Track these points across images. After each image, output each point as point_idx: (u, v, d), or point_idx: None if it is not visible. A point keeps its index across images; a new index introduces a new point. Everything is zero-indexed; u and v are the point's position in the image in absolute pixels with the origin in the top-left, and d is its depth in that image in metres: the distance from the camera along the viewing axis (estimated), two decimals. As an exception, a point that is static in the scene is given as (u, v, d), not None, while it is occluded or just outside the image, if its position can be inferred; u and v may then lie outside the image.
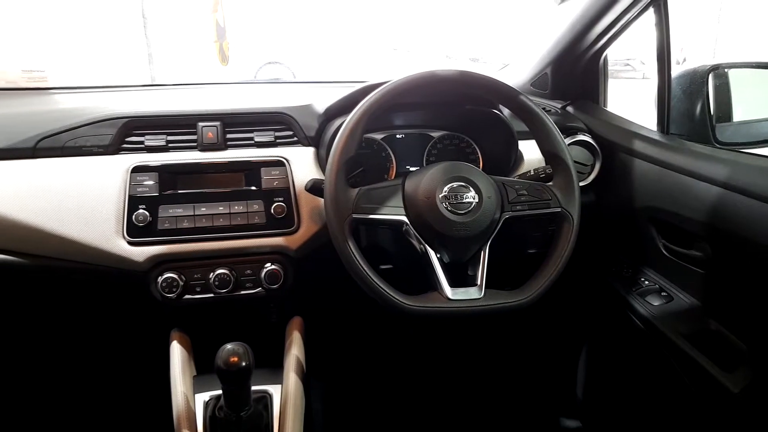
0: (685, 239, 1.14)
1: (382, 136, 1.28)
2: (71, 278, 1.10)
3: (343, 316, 1.44)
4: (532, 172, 1.09)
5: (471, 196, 0.97)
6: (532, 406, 1.64)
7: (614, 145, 1.29)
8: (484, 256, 0.99)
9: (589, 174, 1.31)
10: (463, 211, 0.96)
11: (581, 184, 1.17)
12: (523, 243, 1.22)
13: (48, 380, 1.45)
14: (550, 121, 1.04)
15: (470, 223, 0.96)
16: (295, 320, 1.19)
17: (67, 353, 1.42)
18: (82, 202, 1.05)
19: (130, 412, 1.40)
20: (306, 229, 1.11)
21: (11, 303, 1.26)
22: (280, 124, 1.19)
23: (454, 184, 0.98)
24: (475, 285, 0.97)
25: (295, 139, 1.19)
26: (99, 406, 1.47)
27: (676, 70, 1.30)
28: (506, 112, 1.26)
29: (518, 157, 1.26)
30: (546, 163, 1.07)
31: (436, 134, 1.31)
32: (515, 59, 1.57)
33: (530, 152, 1.24)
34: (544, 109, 1.09)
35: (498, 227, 0.99)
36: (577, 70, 1.41)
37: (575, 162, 1.09)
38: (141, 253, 1.05)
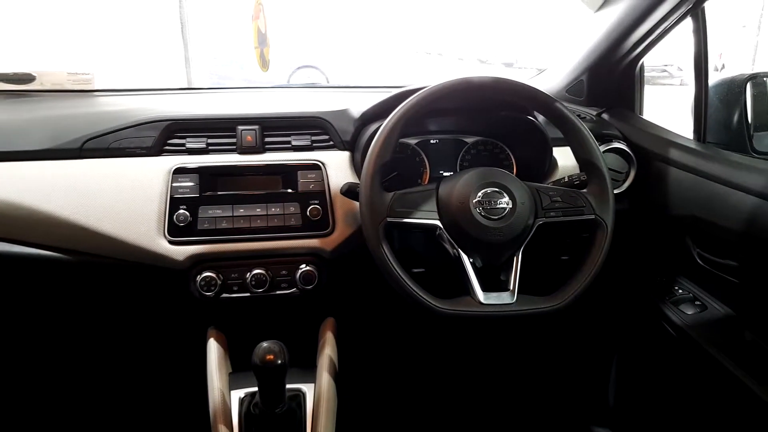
0: (720, 248, 1.13)
1: (416, 141, 1.30)
2: (113, 275, 1.14)
3: (375, 318, 1.46)
4: (566, 179, 1.10)
5: (505, 202, 0.98)
6: (563, 413, 1.63)
7: (650, 153, 1.28)
8: (517, 262, 0.99)
9: (624, 182, 1.31)
10: (496, 217, 0.97)
11: (616, 191, 1.17)
12: (556, 250, 1.22)
13: (88, 373, 1.50)
14: (585, 128, 1.04)
15: (504, 228, 0.97)
16: (328, 321, 1.22)
17: (107, 348, 1.46)
18: (126, 202, 1.09)
19: (167, 407, 1.44)
20: (340, 232, 1.13)
21: (55, 297, 1.31)
22: (317, 128, 1.22)
23: (488, 190, 0.99)
24: (508, 290, 0.97)
25: (331, 143, 1.21)
26: (137, 400, 1.51)
27: (713, 78, 1.28)
28: (541, 118, 1.26)
29: (552, 164, 1.26)
30: (580, 170, 1.07)
31: (469, 140, 1.32)
32: (550, 66, 1.56)
33: (564, 159, 1.24)
34: (579, 116, 1.09)
35: (531, 233, 0.99)
36: (613, 78, 1.40)
37: (610, 169, 1.09)
38: (181, 252, 1.08)
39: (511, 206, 0.98)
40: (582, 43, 1.41)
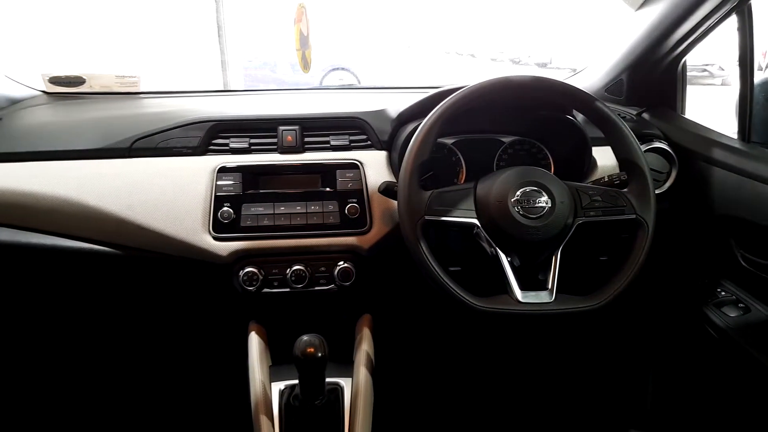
0: (765, 250, 1.11)
1: (452, 140, 1.30)
2: (161, 269, 1.18)
3: (411, 315, 1.47)
4: (606, 179, 1.09)
5: (544, 201, 0.98)
6: (599, 416, 1.62)
7: (692, 153, 1.26)
8: (556, 261, 0.99)
9: (665, 182, 1.29)
10: (535, 216, 0.97)
11: (657, 191, 1.16)
12: (595, 250, 1.21)
13: (136, 362, 1.55)
14: (626, 127, 1.03)
15: (542, 227, 0.97)
16: (364, 317, 1.23)
17: (155, 338, 1.51)
18: (173, 199, 1.13)
19: (210, 397, 1.48)
20: (378, 230, 1.15)
21: (107, 290, 1.36)
22: (355, 129, 1.24)
23: (527, 189, 0.99)
24: (546, 289, 0.97)
25: (369, 142, 1.23)
26: (182, 390, 1.56)
27: (758, 77, 1.26)
28: (580, 117, 1.25)
29: (591, 164, 1.25)
30: (620, 170, 1.07)
31: (507, 139, 1.32)
32: (589, 65, 1.55)
33: (604, 159, 1.24)
34: (618, 115, 1.09)
35: (571, 233, 0.99)
36: (654, 76, 1.38)
37: (651, 169, 1.08)
38: (225, 248, 1.12)
39: (550, 205, 0.98)
40: (622, 42, 1.40)
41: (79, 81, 1.50)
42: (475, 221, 1.00)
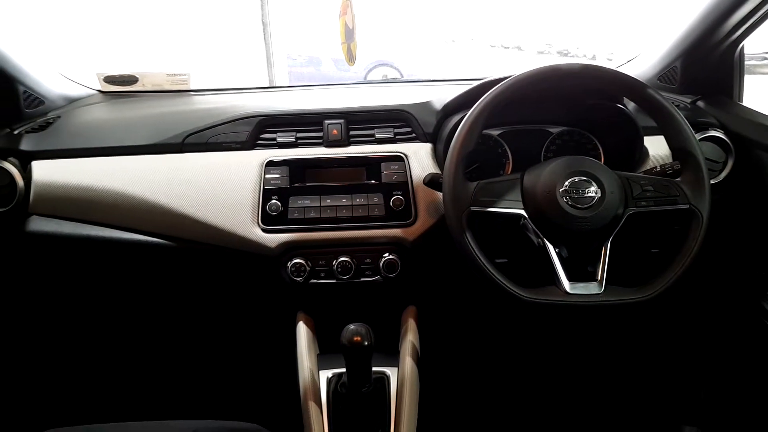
0: None
1: (499, 132, 1.29)
2: (213, 261, 1.22)
3: (456, 307, 1.47)
4: (659, 168, 1.06)
5: (593, 191, 0.96)
6: (650, 410, 1.58)
7: (750, 142, 1.21)
8: (605, 252, 0.97)
9: (721, 171, 1.24)
10: (584, 206, 0.96)
11: (712, 181, 1.12)
12: (646, 242, 1.18)
13: (188, 351, 1.60)
14: (680, 114, 1.00)
15: (591, 218, 0.95)
16: (410, 309, 1.24)
17: (206, 328, 1.56)
18: (223, 193, 1.17)
19: (260, 384, 1.52)
20: (423, 222, 1.15)
21: (161, 281, 1.41)
22: (400, 121, 1.25)
23: (576, 179, 0.97)
24: (595, 281, 0.96)
25: (414, 135, 1.24)
26: (231, 378, 1.60)
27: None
28: (631, 106, 1.22)
29: (643, 154, 1.22)
30: (673, 159, 1.03)
31: (554, 130, 1.30)
32: (641, 53, 1.51)
33: (656, 149, 1.20)
34: (672, 103, 1.05)
35: (621, 223, 0.97)
36: (709, 63, 1.33)
37: (706, 159, 1.04)
38: (273, 239, 1.14)
39: (599, 195, 0.96)
40: (675, 28, 1.36)
41: (132, 80, 1.56)
42: (522, 212, 0.99)
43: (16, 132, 1.26)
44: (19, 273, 1.36)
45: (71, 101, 1.46)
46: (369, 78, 5.50)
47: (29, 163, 1.21)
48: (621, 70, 1.39)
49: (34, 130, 1.27)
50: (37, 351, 1.49)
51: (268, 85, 1.63)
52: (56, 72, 1.47)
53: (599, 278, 0.96)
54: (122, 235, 1.18)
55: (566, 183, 0.97)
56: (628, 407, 1.60)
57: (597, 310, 0.95)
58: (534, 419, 1.59)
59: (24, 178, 1.19)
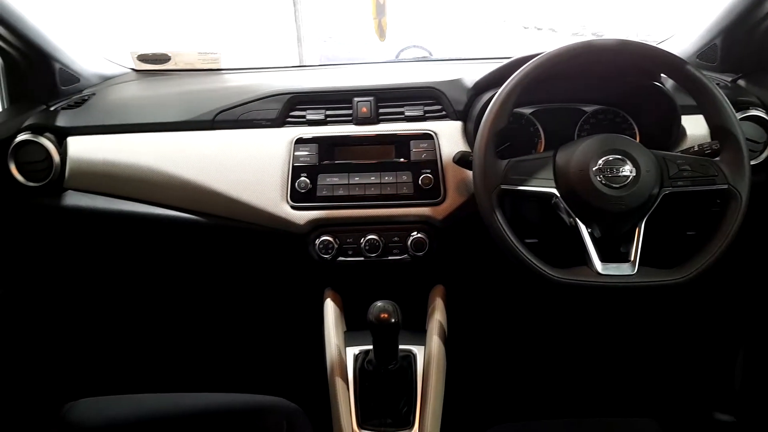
0: None
1: (531, 110, 1.27)
2: (243, 237, 1.23)
3: (484, 287, 1.46)
4: (697, 148, 1.03)
5: (628, 170, 0.94)
6: (682, 396, 1.55)
7: None
8: (639, 233, 0.95)
9: (762, 152, 1.20)
10: (618, 185, 0.93)
11: (752, 162, 1.08)
12: (681, 223, 1.15)
13: (216, 326, 1.63)
14: (720, 92, 0.97)
15: (626, 197, 0.93)
16: (437, 288, 1.24)
17: (236, 303, 1.58)
18: (253, 169, 1.17)
19: (286, 360, 1.54)
20: (452, 201, 1.15)
21: (189, 256, 1.43)
22: (430, 99, 1.23)
23: (610, 157, 0.95)
24: (628, 261, 0.94)
25: (444, 113, 1.22)
26: (258, 353, 1.63)
27: None
28: (669, 84, 1.19)
29: (680, 133, 1.18)
30: (712, 138, 1.00)
31: (589, 109, 1.27)
32: (679, 30, 1.46)
33: (694, 128, 1.16)
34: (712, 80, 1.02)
35: (656, 203, 0.95)
36: (752, 40, 1.28)
37: (747, 139, 1.01)
38: (302, 216, 1.15)
39: (634, 174, 0.94)
40: (715, 5, 1.31)
41: (164, 58, 1.57)
42: (554, 191, 0.97)
43: (52, 108, 1.29)
44: (54, 246, 1.40)
45: (105, 79, 1.49)
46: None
47: (65, 139, 1.23)
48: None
49: (69, 107, 1.30)
50: (69, 322, 1.53)
51: (297, 65, 1.62)
52: (91, 50, 1.49)
53: (632, 259, 0.94)
54: (154, 211, 1.20)
55: (600, 161, 0.95)
56: (657, 393, 1.57)
57: (629, 292, 0.94)
58: (560, 400, 1.57)
59: (60, 154, 1.22)
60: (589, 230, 0.95)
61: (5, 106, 1.33)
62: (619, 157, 0.95)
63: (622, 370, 1.61)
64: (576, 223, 0.96)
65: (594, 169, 0.94)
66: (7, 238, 1.28)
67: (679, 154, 1.01)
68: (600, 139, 0.98)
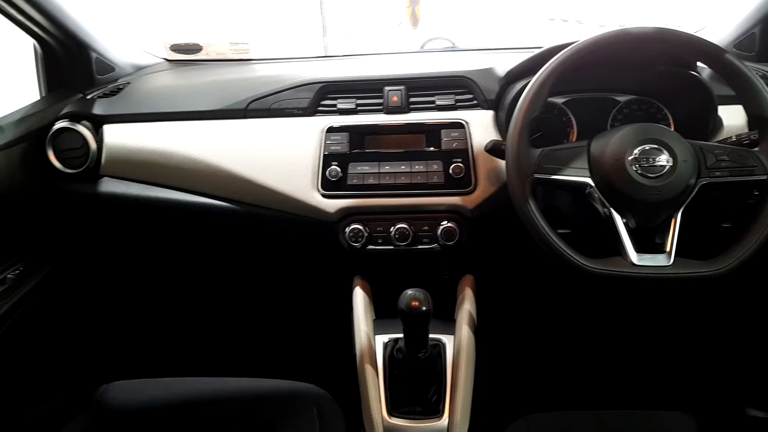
0: None
1: (563, 100, 1.26)
2: (275, 224, 1.24)
3: (515, 277, 1.46)
4: (734, 138, 1.01)
5: (664, 159, 0.93)
6: (715, 390, 1.52)
7: None
8: (675, 224, 0.94)
9: (802, 143, 1.17)
10: (654, 175, 0.92)
11: None
12: (718, 215, 1.13)
13: (245, 312, 1.65)
14: (760, 81, 0.94)
15: (662, 187, 0.92)
16: (467, 277, 1.23)
17: (267, 289, 1.60)
18: (285, 158, 1.18)
19: (314, 347, 1.55)
20: (482, 190, 1.14)
21: (220, 243, 1.45)
22: (461, 88, 1.23)
23: (646, 146, 0.94)
24: (664, 252, 0.92)
25: (475, 102, 1.22)
26: (287, 340, 1.65)
27: None
28: (705, 73, 1.16)
29: (717, 124, 1.16)
30: (750, 128, 0.98)
31: (622, 98, 1.25)
32: (715, 19, 1.43)
33: (731, 119, 1.14)
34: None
35: (693, 194, 0.93)
36: None
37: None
38: (332, 205, 1.16)
39: (671, 164, 0.92)
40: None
41: (196, 48, 1.59)
42: (588, 180, 0.96)
43: (88, 97, 1.32)
44: (91, 232, 1.43)
45: (139, 69, 1.51)
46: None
47: (101, 126, 1.26)
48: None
49: (105, 96, 1.32)
50: (105, 306, 1.57)
51: (328, 54, 1.63)
52: (125, 40, 1.52)
53: (668, 250, 0.92)
54: (187, 198, 1.22)
55: (636, 151, 0.94)
56: (691, 386, 1.55)
57: (665, 284, 0.92)
58: (591, 392, 1.56)
59: (96, 141, 1.24)
60: (623, 220, 0.94)
61: (43, 95, 1.36)
62: (656, 146, 0.94)
63: (654, 363, 1.59)
64: (610, 213, 0.95)
65: (630, 158, 0.93)
66: (46, 222, 1.31)
67: (716, 144, 0.99)
68: (636, 128, 0.97)
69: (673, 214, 0.94)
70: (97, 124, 1.26)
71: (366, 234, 1.16)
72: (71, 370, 1.44)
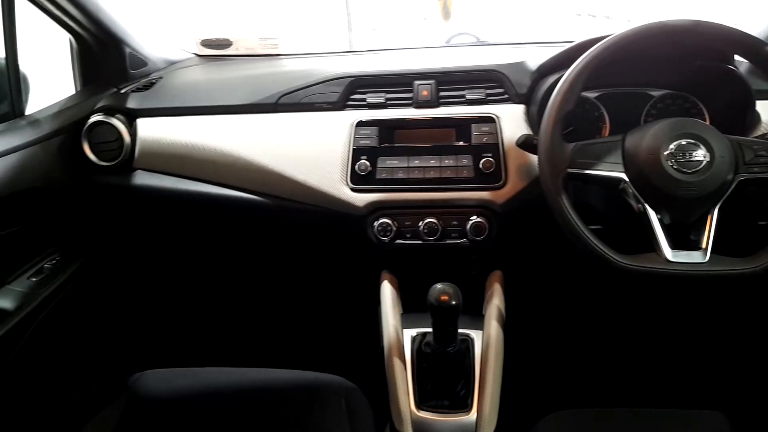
0: None
1: (595, 94, 1.24)
2: (304, 218, 1.25)
3: (545, 273, 1.44)
4: None
5: (701, 154, 0.91)
6: (746, 390, 1.49)
7: None
8: (711, 220, 0.92)
9: None
10: (690, 170, 0.91)
11: None
12: (756, 212, 1.11)
13: (274, 304, 1.67)
14: None
15: (698, 183, 0.90)
16: (495, 273, 1.23)
17: (294, 282, 1.62)
18: (314, 151, 1.19)
19: (343, 340, 1.56)
20: (513, 185, 1.13)
21: (250, 236, 1.47)
22: (492, 82, 1.22)
23: (683, 141, 0.92)
24: (699, 249, 0.91)
25: (506, 96, 1.21)
26: (315, 332, 1.66)
27: None
28: (743, 67, 1.14)
29: (754, 119, 1.13)
30: None
31: (656, 93, 1.23)
32: (752, 12, 1.40)
33: (768, 114, 1.12)
34: None
35: (730, 190, 0.91)
36: None
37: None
38: (361, 199, 1.16)
39: (708, 159, 0.91)
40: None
41: (227, 43, 1.61)
42: (623, 175, 0.95)
43: (122, 91, 1.34)
44: (125, 223, 1.46)
45: (171, 63, 1.54)
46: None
47: (134, 120, 1.28)
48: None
49: (138, 90, 1.34)
50: (138, 296, 1.60)
51: (357, 49, 1.63)
52: (157, 35, 1.54)
53: (704, 247, 0.91)
54: (217, 191, 1.24)
55: (672, 145, 0.92)
56: (725, 385, 1.52)
57: (700, 281, 0.91)
58: (621, 389, 1.54)
59: (130, 135, 1.26)
60: (658, 216, 0.93)
61: (78, 89, 1.39)
62: (692, 141, 0.92)
63: (687, 361, 1.56)
64: (645, 208, 0.93)
65: (665, 153, 0.92)
66: (81, 214, 1.34)
67: (755, 139, 0.97)
68: (672, 122, 0.96)
69: (710, 211, 0.92)
70: (131, 117, 1.28)
71: (394, 228, 1.16)
72: (105, 358, 1.47)
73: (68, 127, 1.24)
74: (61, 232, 1.30)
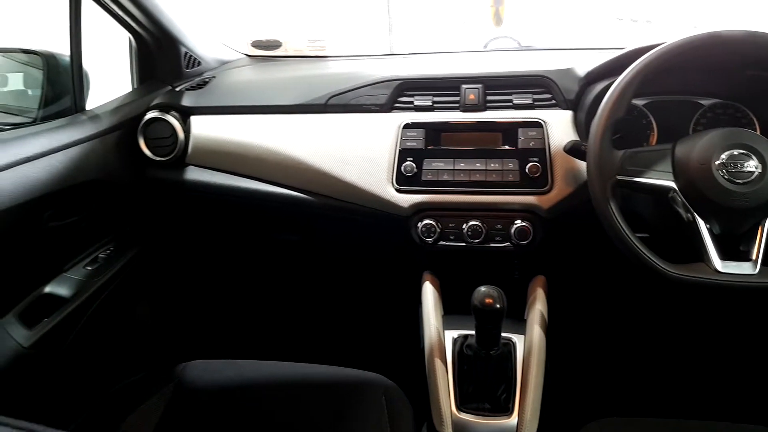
0: None
1: (644, 102, 1.23)
2: (347, 216, 1.27)
3: (589, 280, 1.44)
4: None
5: (753, 165, 0.90)
6: None
7: None
8: (762, 231, 0.91)
9: None
10: (742, 181, 0.90)
11: None
12: None
13: (317, 300, 1.70)
14: None
15: (750, 194, 0.89)
16: (538, 278, 1.23)
17: (337, 280, 1.65)
18: (361, 152, 1.22)
19: (384, 339, 1.58)
20: (559, 190, 1.14)
21: (296, 233, 1.50)
22: (539, 87, 1.22)
23: (735, 152, 0.91)
24: (750, 260, 0.90)
25: (554, 102, 1.21)
26: (357, 330, 1.69)
27: None
28: None
29: None
30: None
31: (706, 102, 1.22)
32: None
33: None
34: None
35: None
36: None
37: None
38: (406, 200, 1.18)
39: (760, 170, 0.90)
40: None
41: (276, 44, 1.65)
42: (672, 184, 0.94)
43: (177, 89, 1.39)
44: (177, 217, 1.51)
45: (223, 63, 1.58)
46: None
47: (188, 117, 1.33)
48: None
49: (192, 88, 1.39)
50: (188, 288, 1.65)
51: (402, 52, 1.65)
52: (210, 36, 1.59)
53: (754, 258, 0.90)
54: (266, 188, 1.27)
55: (724, 155, 0.91)
56: (764, 400, 1.49)
57: (750, 292, 0.90)
58: (664, 399, 1.52)
59: (184, 131, 1.31)
60: (707, 226, 0.92)
61: (135, 86, 1.44)
62: (744, 151, 0.91)
63: (731, 373, 1.53)
64: (694, 218, 0.93)
65: (717, 163, 0.91)
66: (135, 207, 1.39)
67: None
68: (724, 132, 0.95)
69: (761, 222, 0.92)
70: (185, 115, 1.33)
71: (438, 230, 1.17)
72: (153, 347, 1.52)
73: (126, 122, 1.29)
74: (116, 223, 1.35)
